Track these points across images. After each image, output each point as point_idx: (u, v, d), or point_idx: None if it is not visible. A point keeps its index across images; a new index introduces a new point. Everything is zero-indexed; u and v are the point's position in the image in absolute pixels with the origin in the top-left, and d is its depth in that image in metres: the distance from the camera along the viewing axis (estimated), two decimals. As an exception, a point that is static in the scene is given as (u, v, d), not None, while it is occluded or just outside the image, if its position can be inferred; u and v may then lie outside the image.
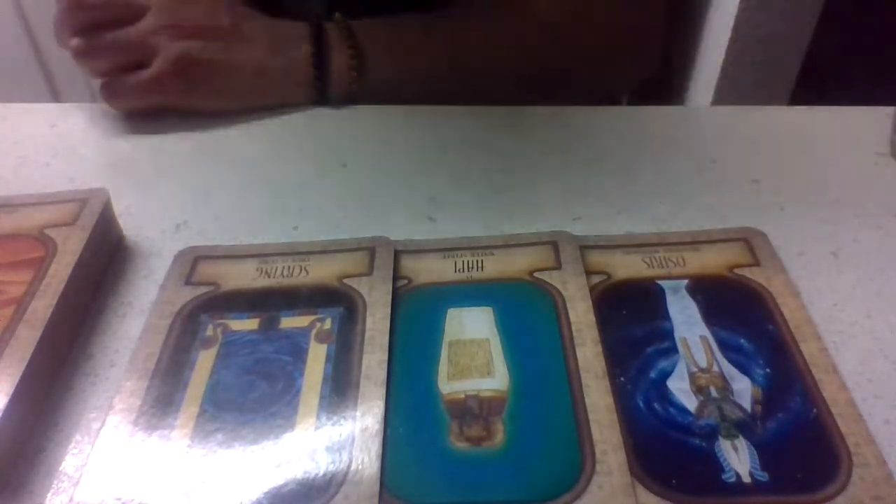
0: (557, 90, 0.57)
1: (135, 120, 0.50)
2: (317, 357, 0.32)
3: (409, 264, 0.37)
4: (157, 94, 0.49)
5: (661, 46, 0.63)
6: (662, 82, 0.98)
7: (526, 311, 0.34)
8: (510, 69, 0.55)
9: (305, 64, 0.50)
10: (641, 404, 0.30)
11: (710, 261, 0.36)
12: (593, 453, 0.28)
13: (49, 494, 0.28)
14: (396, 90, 0.52)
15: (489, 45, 0.54)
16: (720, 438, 0.28)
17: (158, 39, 0.48)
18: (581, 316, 0.33)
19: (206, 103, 0.50)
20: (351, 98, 0.51)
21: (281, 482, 0.27)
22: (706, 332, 0.33)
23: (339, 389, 0.31)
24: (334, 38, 0.50)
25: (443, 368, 0.32)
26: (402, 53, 0.53)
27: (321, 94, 0.51)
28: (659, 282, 0.35)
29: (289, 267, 0.37)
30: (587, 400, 0.30)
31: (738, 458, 0.28)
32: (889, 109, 0.46)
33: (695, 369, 0.31)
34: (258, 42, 0.50)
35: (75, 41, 0.48)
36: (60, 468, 0.29)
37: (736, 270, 0.36)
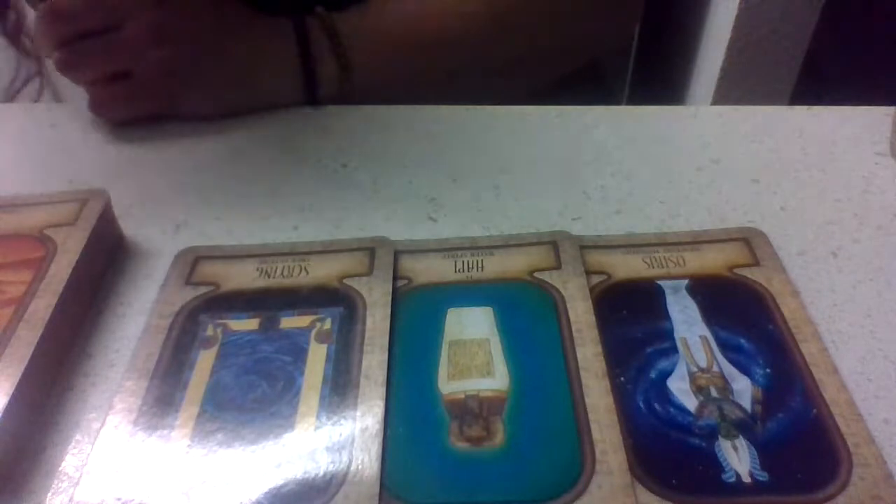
0: (539, 62, 0.57)
1: (132, 122, 0.50)
2: (317, 357, 0.32)
3: (409, 264, 0.37)
4: (144, 101, 0.49)
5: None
6: (662, 82, 0.99)
7: (526, 311, 0.34)
8: (491, 44, 0.54)
9: (292, 66, 0.49)
10: (641, 404, 0.30)
11: (710, 261, 0.36)
12: (593, 453, 0.28)
13: (49, 494, 0.28)
14: (386, 83, 0.51)
15: (470, 23, 0.53)
16: (720, 438, 0.28)
17: (141, 46, 0.47)
18: (581, 316, 0.33)
19: (194, 108, 0.49)
20: (342, 97, 0.51)
21: (281, 482, 0.27)
22: (706, 332, 0.33)
23: (339, 389, 0.31)
24: (318, 37, 0.49)
25: (443, 368, 0.32)
26: (386, 44, 0.51)
27: (310, 94, 0.50)
28: (659, 282, 0.35)
29: (289, 267, 0.37)
30: (587, 400, 0.30)
31: (738, 458, 0.28)
32: (889, 109, 0.46)
33: (695, 369, 0.31)
34: (243, 44, 0.49)
35: (58, 53, 0.47)
36: (60, 468, 0.29)
37: (736, 270, 0.36)
